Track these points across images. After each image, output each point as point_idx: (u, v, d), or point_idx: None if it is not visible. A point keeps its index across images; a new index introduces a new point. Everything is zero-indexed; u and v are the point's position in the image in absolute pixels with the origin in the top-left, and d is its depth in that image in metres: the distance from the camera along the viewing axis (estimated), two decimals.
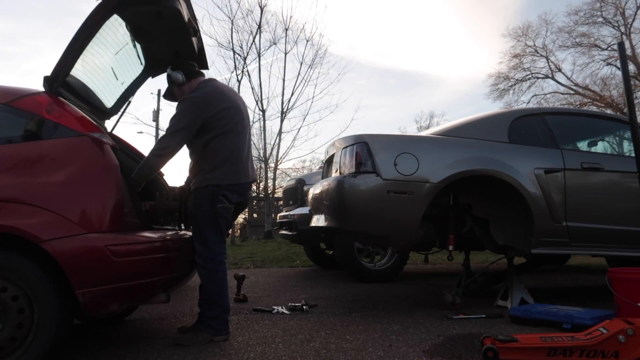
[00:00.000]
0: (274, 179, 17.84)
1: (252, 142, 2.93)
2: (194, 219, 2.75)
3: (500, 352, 2.19)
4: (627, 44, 21.24)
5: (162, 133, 17.19)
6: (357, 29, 49.49)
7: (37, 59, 50.24)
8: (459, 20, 54.44)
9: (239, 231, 24.08)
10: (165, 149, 2.67)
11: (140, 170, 2.64)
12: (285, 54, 16.13)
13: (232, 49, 15.45)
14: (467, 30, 54.77)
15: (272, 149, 16.32)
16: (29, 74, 48.09)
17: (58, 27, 46.62)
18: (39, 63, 51.16)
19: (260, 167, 17.55)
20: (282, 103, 16.06)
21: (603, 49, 21.89)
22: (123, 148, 3.07)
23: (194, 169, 2.81)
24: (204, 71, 3.01)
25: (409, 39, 59.56)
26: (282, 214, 6.82)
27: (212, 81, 2.86)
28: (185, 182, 3.03)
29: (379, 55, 59.80)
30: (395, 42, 60.04)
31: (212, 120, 2.68)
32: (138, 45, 3.03)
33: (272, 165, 16.76)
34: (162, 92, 3.09)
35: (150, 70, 3.28)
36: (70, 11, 46.75)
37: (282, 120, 16.03)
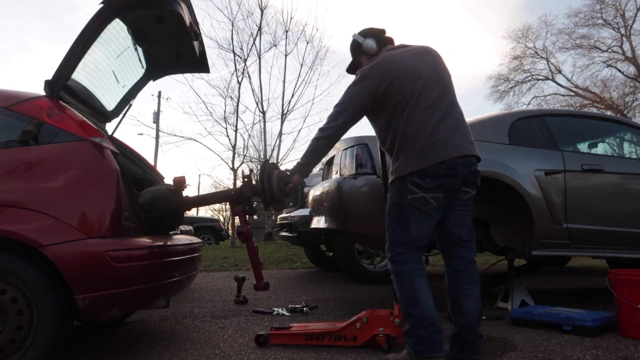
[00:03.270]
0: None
1: (432, 113, 2.22)
2: (386, 215, 2.33)
3: (270, 337, 2.68)
4: (627, 46, 21.27)
5: (162, 135, 17.05)
6: (355, 24, 48.91)
7: (27, 54, 49.62)
8: (461, 15, 53.33)
9: None
10: (326, 130, 2.31)
11: (305, 158, 2.38)
12: (286, 55, 16.17)
13: (233, 51, 15.48)
14: (470, 25, 53.40)
15: (272, 150, 16.33)
16: (19, 70, 47.30)
17: (48, 21, 45.76)
18: (29, 58, 50.49)
19: None
20: (283, 105, 16.08)
21: (603, 51, 21.92)
22: (124, 152, 3.07)
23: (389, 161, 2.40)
24: (205, 74, 2.99)
25: (409, 33, 58.02)
26: (282, 215, 6.83)
27: (391, 49, 2.39)
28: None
29: None
30: (395, 37, 59.21)
31: (383, 97, 2.24)
32: (139, 49, 3.04)
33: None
34: (347, 66, 2.63)
35: (151, 74, 3.30)
36: (59, 5, 46.03)
37: (282, 122, 16.05)
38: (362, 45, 2.44)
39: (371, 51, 2.42)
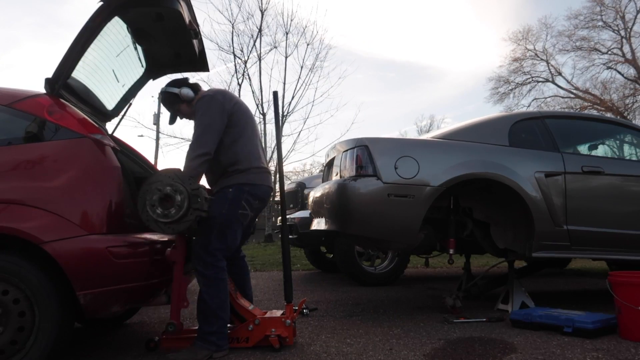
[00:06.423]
0: (275, 183, 17.85)
1: (257, 144, 2.86)
2: (206, 221, 2.56)
3: (162, 342, 2.63)
4: (627, 48, 21.29)
5: (162, 136, 17.03)
6: (353, 20, 47.50)
7: (15, 51, 48.34)
8: (463, 10, 51.73)
9: None
10: (201, 150, 2.51)
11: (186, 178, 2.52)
12: (286, 57, 16.18)
13: (233, 53, 15.50)
14: (472, 20, 51.61)
15: (272, 152, 16.33)
16: (8, 68, 45.99)
17: (35, 15, 44.34)
18: (18, 55, 49.15)
19: None
20: (283, 106, 16.08)
21: (603, 53, 21.92)
22: (124, 150, 3.07)
23: (215, 172, 2.70)
24: (204, 73, 3.06)
25: (408, 28, 56.54)
26: None
27: (212, 90, 2.80)
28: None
29: (377, 46, 56.47)
30: (394, 31, 56.21)
31: (232, 117, 2.65)
32: (139, 47, 3.04)
33: (273, 168, 16.76)
34: (169, 120, 2.92)
35: (151, 73, 3.29)
36: None
37: (282, 124, 16.04)
38: (180, 94, 2.74)
39: (189, 97, 2.75)
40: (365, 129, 59.63)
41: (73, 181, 2.19)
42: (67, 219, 2.11)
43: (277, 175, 2.95)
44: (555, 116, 4.01)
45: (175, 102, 2.78)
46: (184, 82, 2.80)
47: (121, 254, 2.17)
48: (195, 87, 2.82)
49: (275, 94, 3.09)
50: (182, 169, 2.48)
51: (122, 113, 3.30)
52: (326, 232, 3.75)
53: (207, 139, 2.54)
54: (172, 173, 2.43)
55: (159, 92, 2.84)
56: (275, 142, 16.12)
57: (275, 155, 16.00)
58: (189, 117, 2.82)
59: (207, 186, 2.84)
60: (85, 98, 2.81)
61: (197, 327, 2.60)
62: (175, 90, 2.75)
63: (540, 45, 23.41)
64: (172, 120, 2.89)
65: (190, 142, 2.57)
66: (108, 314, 2.30)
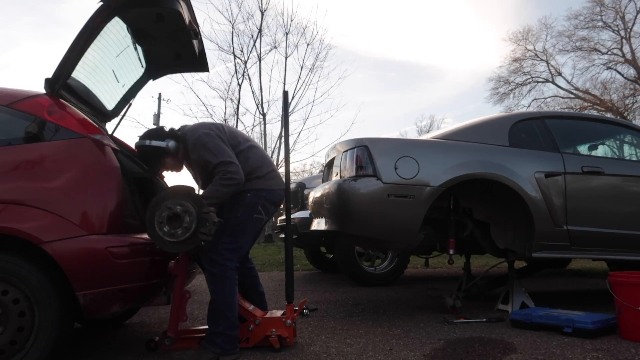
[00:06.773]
0: None
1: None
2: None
3: (162, 342, 2.56)
4: (627, 48, 21.30)
5: None
6: (353, 20, 47.17)
7: (14, 50, 47.88)
8: (464, 8, 51.48)
9: None
10: (237, 179, 2.49)
11: (209, 200, 2.45)
12: (286, 57, 16.18)
13: (233, 53, 15.50)
14: (472, 18, 51.66)
15: (272, 152, 16.33)
16: (7, 67, 45.62)
17: (33, 14, 43.86)
18: (17, 54, 48.68)
19: None
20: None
21: (603, 53, 21.94)
22: (124, 150, 3.07)
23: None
24: (204, 73, 3.02)
25: (408, 28, 56.42)
26: (282, 217, 6.81)
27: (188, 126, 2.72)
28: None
29: (377, 46, 56.43)
30: (394, 31, 56.05)
31: (231, 140, 2.63)
32: (139, 48, 3.04)
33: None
34: (150, 171, 2.79)
35: (151, 73, 3.29)
36: None
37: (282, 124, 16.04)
38: (168, 148, 2.58)
39: (176, 149, 2.61)
40: (365, 129, 59.58)
41: (73, 181, 2.20)
42: (66, 219, 2.12)
43: (284, 176, 2.92)
44: (555, 116, 4.01)
45: (162, 156, 2.60)
46: (163, 133, 2.63)
47: (121, 254, 2.17)
48: (174, 135, 2.64)
49: (285, 93, 3.08)
50: (208, 191, 2.49)
51: (122, 113, 3.30)
52: (326, 232, 3.75)
53: (235, 168, 2.49)
54: (185, 192, 2.39)
55: (136, 145, 2.60)
56: (275, 142, 16.15)
57: (276, 156, 16.03)
58: (172, 169, 2.72)
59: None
60: (85, 98, 2.81)
61: (196, 328, 2.59)
62: (162, 144, 2.57)
63: (540, 45, 23.46)
64: (155, 173, 2.82)
65: (221, 173, 2.47)
66: (108, 314, 2.31)
